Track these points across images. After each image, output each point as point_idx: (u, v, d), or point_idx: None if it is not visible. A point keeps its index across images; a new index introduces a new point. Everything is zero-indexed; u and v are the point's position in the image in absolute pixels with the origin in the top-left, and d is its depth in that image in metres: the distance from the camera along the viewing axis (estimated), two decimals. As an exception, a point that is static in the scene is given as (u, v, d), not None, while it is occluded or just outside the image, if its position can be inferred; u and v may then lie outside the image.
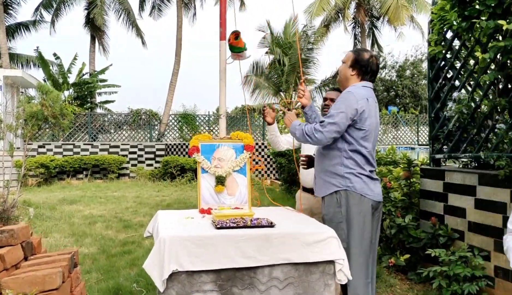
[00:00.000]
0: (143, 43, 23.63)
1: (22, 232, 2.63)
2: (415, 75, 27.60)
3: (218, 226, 2.57)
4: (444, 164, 4.67)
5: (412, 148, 17.39)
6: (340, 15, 23.10)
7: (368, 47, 24.08)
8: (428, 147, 4.88)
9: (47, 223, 7.52)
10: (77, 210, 8.94)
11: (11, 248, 2.57)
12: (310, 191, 3.54)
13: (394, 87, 27.38)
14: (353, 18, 23.43)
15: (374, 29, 24.33)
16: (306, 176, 3.65)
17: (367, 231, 2.80)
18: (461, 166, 4.46)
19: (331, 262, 2.52)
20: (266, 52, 23.85)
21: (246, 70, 23.21)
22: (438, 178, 4.35)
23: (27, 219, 7.58)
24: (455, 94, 4.12)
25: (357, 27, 24.16)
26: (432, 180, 4.43)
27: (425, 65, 27.06)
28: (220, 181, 3.24)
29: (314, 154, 3.28)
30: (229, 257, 2.39)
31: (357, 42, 24.42)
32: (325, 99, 3.66)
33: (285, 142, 3.83)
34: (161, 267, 2.31)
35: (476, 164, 4.29)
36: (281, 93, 23.09)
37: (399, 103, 26.30)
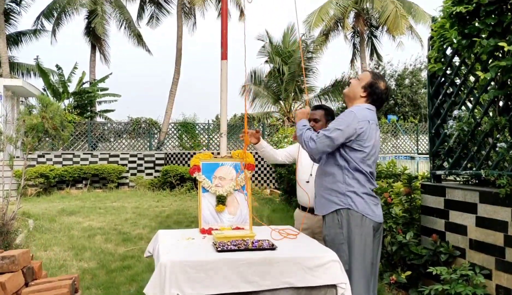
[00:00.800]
0: (148, 50, 23.67)
1: (23, 258, 2.62)
2: (414, 84, 27.67)
3: (219, 248, 2.56)
4: (445, 176, 4.66)
5: (412, 157, 17.38)
6: (339, 24, 23.19)
7: (367, 56, 24.16)
8: (427, 156, 4.88)
9: (47, 235, 7.49)
10: (77, 222, 8.92)
11: (12, 275, 2.55)
12: (308, 210, 3.54)
13: (393, 96, 27.44)
14: (352, 28, 23.53)
15: (373, 38, 24.43)
16: (304, 195, 3.65)
17: (368, 253, 2.80)
18: (462, 182, 4.45)
19: (333, 286, 2.51)
20: (266, 61, 23.95)
21: (245, 79, 23.26)
22: (439, 195, 4.34)
23: (26, 231, 7.56)
24: (455, 112, 4.13)
25: (356, 36, 24.26)
26: (433, 197, 4.43)
27: (424, 74, 27.15)
28: (221, 200, 3.24)
29: (311, 174, 3.28)
30: (230, 281, 2.38)
31: (356, 51, 24.51)
32: (309, 120, 3.54)
33: (281, 155, 3.82)
34: (162, 292, 2.31)
35: (476, 181, 4.29)
36: (281, 102, 23.15)
37: (398, 112, 26.36)
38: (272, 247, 2.61)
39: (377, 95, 2.96)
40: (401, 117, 25.06)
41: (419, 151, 20.21)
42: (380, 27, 23.21)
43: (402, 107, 27.14)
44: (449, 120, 4.30)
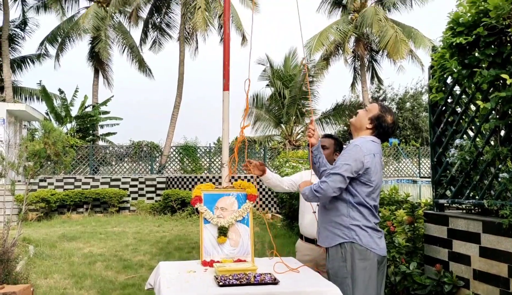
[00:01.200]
0: (151, 75, 23.89)
1: (23, 294, 2.60)
2: (415, 108, 27.80)
3: (220, 283, 2.54)
4: (447, 205, 4.64)
5: (414, 181, 17.33)
6: (339, 49, 23.43)
7: (368, 80, 24.33)
8: (430, 179, 4.86)
9: (47, 262, 7.44)
10: (77, 248, 8.86)
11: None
12: (310, 241, 3.51)
13: (394, 119, 27.55)
14: (353, 52, 23.76)
15: (373, 62, 24.65)
16: (307, 225, 3.62)
17: (372, 287, 2.76)
18: (465, 211, 4.43)
19: (336, 321, 2.48)
20: (267, 85, 24.13)
21: (244, 103, 23.38)
22: (442, 224, 4.31)
23: (27, 258, 7.50)
24: (457, 141, 4.13)
25: (356, 60, 24.48)
26: (436, 226, 4.40)
27: (425, 97, 27.28)
28: (223, 232, 3.22)
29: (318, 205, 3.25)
30: (232, 318, 2.35)
31: (357, 75, 24.70)
32: None
33: (287, 184, 3.81)
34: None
35: (480, 210, 4.26)
36: (282, 125, 23.23)
37: (399, 135, 26.40)
38: (275, 282, 2.58)
39: (383, 128, 2.95)
40: (403, 140, 25.09)
41: (421, 175, 20.17)
42: (381, 52, 23.45)
43: (404, 131, 27.21)
44: (450, 148, 4.30)
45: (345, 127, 28.63)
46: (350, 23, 23.19)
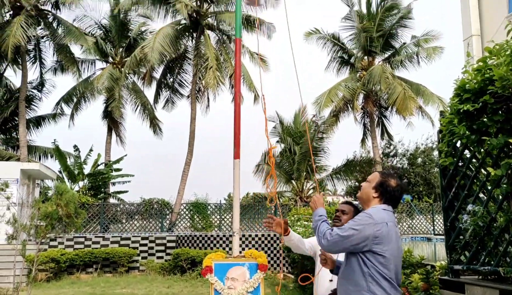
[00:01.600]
0: (158, 134, 24.32)
1: None
2: (427, 163, 27.67)
3: None
4: (462, 269, 4.52)
5: (429, 239, 16.96)
6: (348, 105, 23.73)
7: (378, 136, 24.42)
8: (444, 237, 4.75)
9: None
10: (85, 311, 8.69)
11: None
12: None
13: (406, 175, 27.37)
14: (362, 108, 24.02)
15: (383, 118, 24.82)
16: (322, 292, 3.54)
17: None
18: (481, 277, 4.32)
19: None
20: (277, 141, 24.35)
21: (257, 159, 23.59)
22: (458, 291, 4.20)
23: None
24: (469, 206, 4.10)
25: (366, 116, 24.69)
26: (452, 293, 4.28)
27: (436, 153, 27.20)
28: (234, 303, 3.17)
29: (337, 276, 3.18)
30: None
31: (367, 131, 24.82)
32: (336, 210, 3.67)
33: (308, 246, 3.71)
34: None
35: (496, 276, 4.16)
36: (293, 181, 23.18)
37: (412, 192, 26.15)
38: None
39: (389, 193, 2.94)
40: (416, 196, 24.81)
41: (436, 232, 19.75)
42: (390, 108, 23.66)
43: (416, 187, 26.95)
44: (463, 213, 4.26)
45: (356, 183, 28.46)
46: (358, 80, 23.60)
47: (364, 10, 24.01)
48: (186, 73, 23.19)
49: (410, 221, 20.20)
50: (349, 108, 23.92)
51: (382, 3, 23.32)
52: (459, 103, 3.95)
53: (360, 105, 23.75)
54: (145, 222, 18.66)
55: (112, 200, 22.38)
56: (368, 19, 23.42)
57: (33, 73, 22.38)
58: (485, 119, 3.88)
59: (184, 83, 23.43)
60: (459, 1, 16.45)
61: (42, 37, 21.67)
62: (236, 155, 3.57)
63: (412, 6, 23.00)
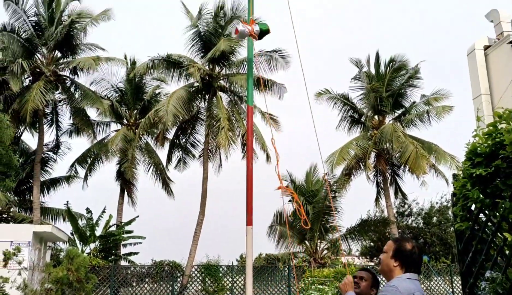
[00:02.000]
0: (170, 193, 24.39)
1: None
2: (443, 222, 27.14)
3: None
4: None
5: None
6: (361, 164, 23.70)
7: (392, 195, 24.18)
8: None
9: None
10: None
11: None
12: None
13: (422, 234, 26.81)
14: (374, 167, 23.95)
15: (396, 177, 24.65)
16: None
17: None
18: None
19: None
20: (289, 200, 24.15)
21: (270, 220, 23.35)
22: None
23: None
24: (488, 273, 3.99)
25: (379, 175, 24.56)
26: None
27: (451, 212, 26.74)
28: None
29: None
30: None
31: (381, 190, 24.62)
32: (354, 276, 3.66)
33: None
34: None
35: None
36: (306, 242, 22.80)
37: (429, 252, 25.50)
38: None
39: (407, 257, 2.88)
40: (433, 257, 24.15)
41: (455, 294, 19.05)
42: (402, 167, 23.57)
43: (433, 247, 26.31)
44: (482, 279, 4.14)
45: (371, 243, 27.91)
46: (369, 139, 23.71)
47: (373, 71, 24.52)
48: (198, 134, 23.56)
49: (428, 283, 19.54)
50: (361, 166, 23.89)
51: (390, 64, 23.85)
52: (471, 167, 3.95)
53: (372, 163, 23.72)
54: (155, 285, 18.31)
55: (123, 262, 22.12)
56: (377, 79, 23.86)
57: (49, 136, 22.93)
58: (498, 183, 3.86)
59: (196, 143, 23.74)
60: (466, 61, 16.75)
61: (60, 101, 22.36)
62: (249, 222, 3.56)
63: (419, 66, 23.49)
